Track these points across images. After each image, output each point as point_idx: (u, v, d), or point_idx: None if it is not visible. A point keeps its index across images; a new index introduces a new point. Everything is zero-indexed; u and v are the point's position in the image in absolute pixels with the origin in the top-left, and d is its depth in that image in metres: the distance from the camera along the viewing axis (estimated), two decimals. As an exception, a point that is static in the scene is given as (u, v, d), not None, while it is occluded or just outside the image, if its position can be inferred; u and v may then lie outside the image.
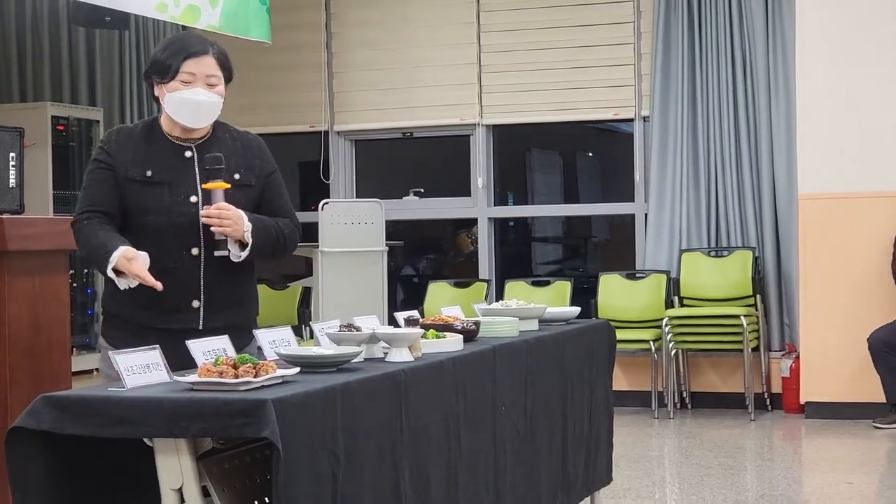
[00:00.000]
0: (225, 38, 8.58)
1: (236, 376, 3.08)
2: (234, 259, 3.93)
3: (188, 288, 3.91)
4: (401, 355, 3.74)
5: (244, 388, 3.05)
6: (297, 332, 9.77)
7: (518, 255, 11.31)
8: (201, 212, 3.84)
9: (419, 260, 11.85)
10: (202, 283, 3.93)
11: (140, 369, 3.23)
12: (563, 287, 9.34)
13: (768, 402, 8.86)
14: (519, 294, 9.41)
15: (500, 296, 9.54)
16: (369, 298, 7.85)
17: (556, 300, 9.26)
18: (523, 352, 4.49)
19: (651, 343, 8.70)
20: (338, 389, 3.20)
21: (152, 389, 3.12)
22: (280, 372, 3.21)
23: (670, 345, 8.73)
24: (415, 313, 4.57)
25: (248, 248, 3.91)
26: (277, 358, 3.64)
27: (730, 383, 9.06)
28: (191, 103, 3.93)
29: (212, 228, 3.84)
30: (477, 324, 4.42)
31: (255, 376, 3.10)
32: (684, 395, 9.05)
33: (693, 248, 9.12)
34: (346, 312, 7.69)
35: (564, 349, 4.93)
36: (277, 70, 10.16)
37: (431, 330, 4.12)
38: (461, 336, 4.16)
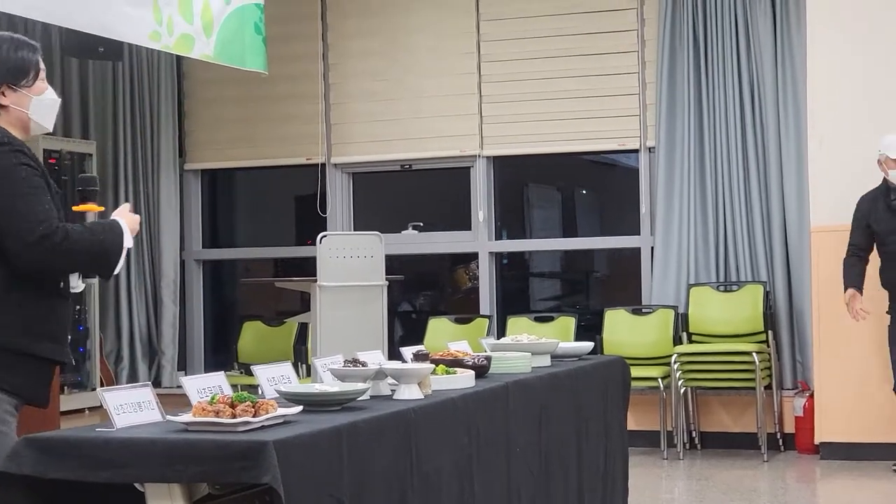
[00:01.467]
0: (220, 68, 8.45)
1: (234, 416, 2.88)
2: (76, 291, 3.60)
3: (71, 317, 3.66)
4: (410, 392, 3.54)
5: (243, 429, 2.84)
6: (294, 369, 9.54)
7: (516, 291, 11.05)
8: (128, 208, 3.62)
9: (416, 295, 11.61)
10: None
11: (131, 408, 3.03)
12: (568, 323, 9.12)
13: (781, 443, 8.62)
14: (522, 331, 9.20)
15: (501, 332, 9.32)
16: (369, 334, 7.63)
17: (560, 336, 8.99)
18: (537, 388, 4.29)
19: (660, 381, 8.47)
20: (343, 430, 2.99)
21: (143, 430, 2.91)
22: (281, 411, 3.01)
23: (679, 382, 8.51)
24: (422, 348, 4.36)
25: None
26: (277, 396, 3.44)
27: (741, 423, 8.83)
28: (57, 104, 3.60)
29: None
30: (488, 359, 4.22)
31: (254, 416, 2.89)
32: (693, 434, 8.82)
33: (702, 283, 8.90)
34: (346, 348, 7.48)
35: (579, 386, 4.73)
36: (273, 101, 9.98)
37: (441, 365, 3.92)
38: (472, 372, 3.95)
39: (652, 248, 9.20)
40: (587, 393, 4.81)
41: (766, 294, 8.70)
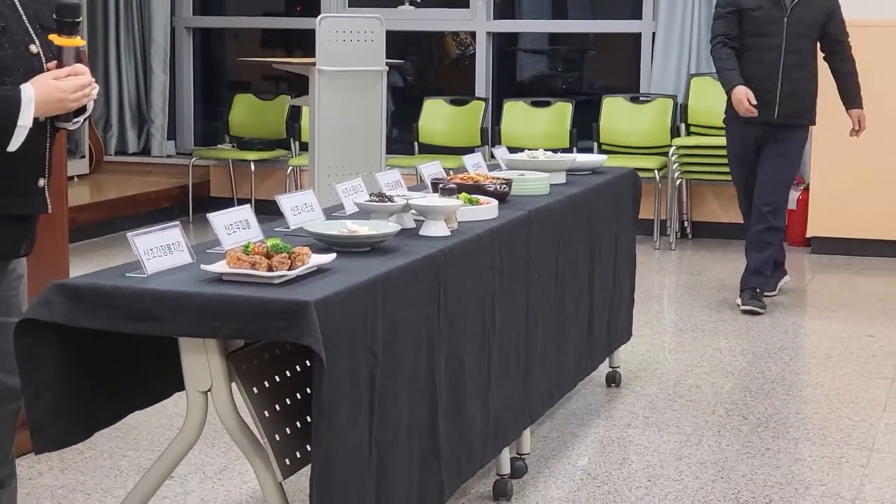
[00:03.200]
0: None
1: (270, 267, 2.81)
2: (70, 128, 3.13)
3: (33, 164, 3.05)
4: (436, 229, 3.48)
5: (279, 282, 2.78)
6: (286, 145, 9.46)
7: (505, 67, 10.76)
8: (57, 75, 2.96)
9: (403, 66, 11.35)
10: (47, 158, 3.10)
11: (160, 251, 2.96)
12: (565, 109, 9.02)
13: (772, 234, 8.65)
14: (517, 115, 9.11)
15: (496, 116, 9.21)
16: (367, 119, 7.51)
17: (556, 122, 8.99)
18: (556, 213, 4.23)
19: (656, 172, 8.42)
20: (379, 281, 2.94)
21: (177, 279, 2.85)
22: (315, 259, 2.94)
23: (676, 175, 8.48)
24: (440, 172, 4.27)
25: (86, 114, 3.10)
26: (300, 227, 3.38)
27: (731, 213, 8.80)
28: None
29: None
30: (508, 183, 4.14)
31: (290, 268, 2.83)
32: (685, 224, 8.84)
33: (703, 73, 8.78)
34: (343, 134, 7.40)
35: (593, 204, 4.68)
36: None
37: (464, 194, 3.84)
38: (496, 202, 3.88)
39: (653, 33, 9.02)
40: (601, 210, 4.76)
41: (768, 86, 8.57)
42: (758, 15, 6.46)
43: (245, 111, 9.71)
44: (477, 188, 3.99)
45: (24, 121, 2.87)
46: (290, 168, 9.13)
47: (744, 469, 4.28)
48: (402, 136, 9.82)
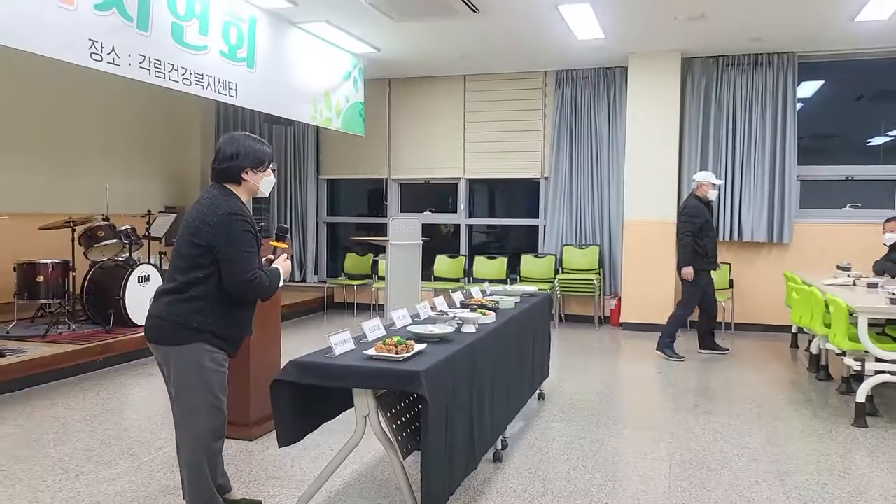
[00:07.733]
0: (342, 134, 8.03)
1: (397, 352, 2.65)
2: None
3: (252, 314, 2.96)
4: (469, 329, 3.33)
5: (402, 358, 2.63)
6: (369, 277, 9.23)
7: (472, 239, 10.56)
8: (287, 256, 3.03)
9: (429, 241, 10.99)
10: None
11: (341, 343, 2.80)
12: (503, 261, 8.89)
13: (603, 320, 8.50)
14: (481, 263, 8.96)
15: (471, 264, 9.05)
16: (413, 267, 7.39)
17: (499, 266, 8.83)
18: (519, 317, 4.08)
19: (548, 291, 8.19)
20: (451, 358, 2.78)
21: (351, 357, 2.69)
22: (417, 347, 2.79)
23: (558, 291, 8.33)
24: (461, 297, 4.12)
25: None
26: (402, 328, 3.22)
27: (586, 309, 8.69)
28: (274, 181, 2.97)
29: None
30: (497, 303, 4.00)
31: (406, 352, 2.68)
32: (562, 315, 8.67)
33: (569, 243, 8.69)
34: (400, 275, 7.23)
35: (533, 311, 4.53)
36: (364, 146, 9.55)
37: (480, 309, 3.70)
38: (493, 313, 3.74)
39: (544, 225, 8.95)
40: (536, 314, 4.62)
41: (600, 250, 8.51)
42: (709, 219, 6.28)
43: (351, 262, 9.54)
44: (483, 306, 3.86)
45: (281, 283, 2.92)
46: (374, 289, 8.92)
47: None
48: (423, 273, 9.60)
